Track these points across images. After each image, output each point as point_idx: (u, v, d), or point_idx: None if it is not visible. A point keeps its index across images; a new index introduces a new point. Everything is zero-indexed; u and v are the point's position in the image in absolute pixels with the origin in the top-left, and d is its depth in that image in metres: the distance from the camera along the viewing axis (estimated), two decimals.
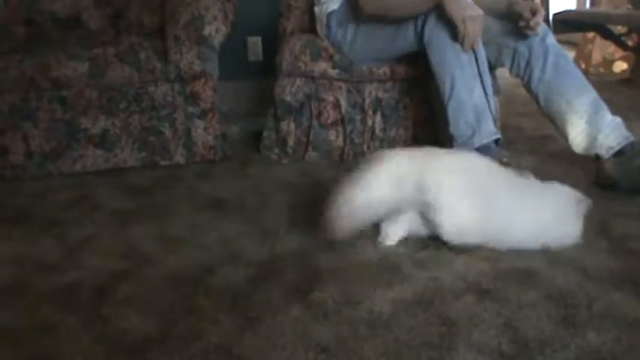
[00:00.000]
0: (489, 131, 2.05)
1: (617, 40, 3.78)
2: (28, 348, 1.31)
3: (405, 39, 2.23)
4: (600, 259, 1.64)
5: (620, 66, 4.62)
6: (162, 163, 2.47)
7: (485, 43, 2.21)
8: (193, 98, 2.45)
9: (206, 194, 2.17)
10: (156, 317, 1.40)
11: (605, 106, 2.20)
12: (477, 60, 2.08)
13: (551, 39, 2.24)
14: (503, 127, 2.57)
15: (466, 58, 2.07)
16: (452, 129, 2.10)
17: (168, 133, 2.45)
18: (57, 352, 1.29)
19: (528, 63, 2.24)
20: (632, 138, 2.16)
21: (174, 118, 2.45)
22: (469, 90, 2.05)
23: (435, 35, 2.09)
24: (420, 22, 2.13)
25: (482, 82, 2.09)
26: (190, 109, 2.45)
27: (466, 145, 2.07)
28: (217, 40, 2.46)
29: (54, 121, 2.37)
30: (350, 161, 2.46)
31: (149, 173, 2.40)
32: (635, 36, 3.80)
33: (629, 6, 4.06)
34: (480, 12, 2.03)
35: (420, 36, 2.15)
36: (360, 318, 1.38)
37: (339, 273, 1.58)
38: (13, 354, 1.30)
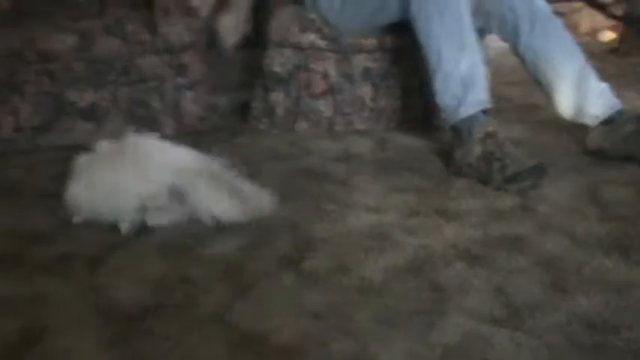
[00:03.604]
0: (477, 101, 2.04)
1: (604, 9, 3.75)
2: None
3: (391, 9, 2.21)
4: (589, 225, 1.67)
5: (609, 35, 4.62)
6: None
7: (473, 12, 2.21)
8: (182, 70, 2.44)
9: None
10: (151, 287, 1.41)
11: (594, 73, 2.19)
12: (464, 30, 2.06)
13: (540, 2, 2.22)
14: (492, 97, 2.57)
15: (453, 29, 2.04)
16: (438, 100, 2.09)
17: (157, 105, 2.44)
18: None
19: (515, 29, 2.21)
20: (619, 106, 2.16)
21: (162, 90, 2.44)
22: (456, 62, 2.03)
23: (423, 7, 2.06)
24: None
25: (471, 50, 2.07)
26: (179, 80, 2.44)
27: (452, 115, 2.06)
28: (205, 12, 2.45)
29: (42, 94, 2.35)
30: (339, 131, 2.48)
31: None
32: (623, 5, 3.78)
33: None
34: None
35: (405, 6, 2.13)
36: (351, 285, 1.40)
37: (331, 241, 1.59)
38: None
